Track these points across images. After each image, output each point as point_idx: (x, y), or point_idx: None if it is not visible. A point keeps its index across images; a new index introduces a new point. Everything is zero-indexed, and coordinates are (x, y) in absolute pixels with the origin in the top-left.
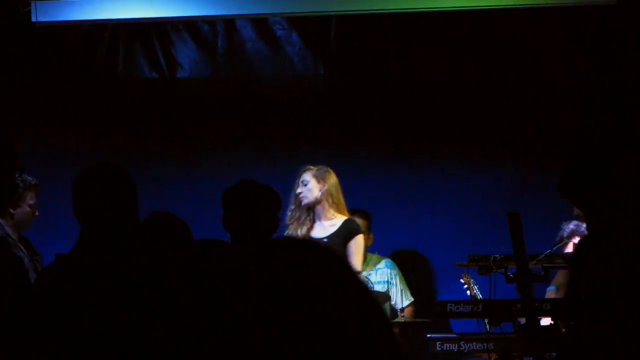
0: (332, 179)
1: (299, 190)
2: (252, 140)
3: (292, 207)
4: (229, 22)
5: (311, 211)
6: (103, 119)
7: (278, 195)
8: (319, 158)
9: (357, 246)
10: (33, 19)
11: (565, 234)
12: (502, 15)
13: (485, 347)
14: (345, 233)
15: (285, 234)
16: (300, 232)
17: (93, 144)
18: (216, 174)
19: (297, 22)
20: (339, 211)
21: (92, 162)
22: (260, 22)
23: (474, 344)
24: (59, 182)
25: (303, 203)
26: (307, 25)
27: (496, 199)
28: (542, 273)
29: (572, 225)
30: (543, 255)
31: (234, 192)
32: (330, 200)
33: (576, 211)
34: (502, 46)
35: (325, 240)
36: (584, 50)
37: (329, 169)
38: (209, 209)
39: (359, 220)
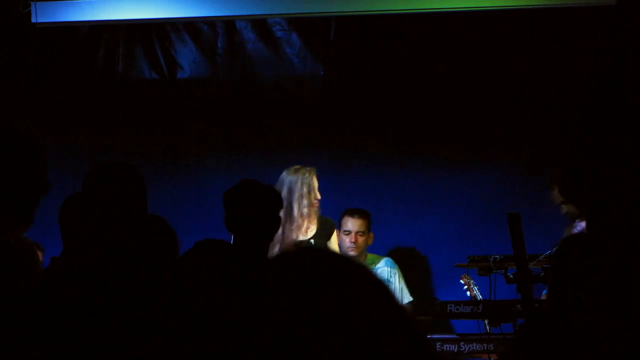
0: None
1: (319, 197)
2: (252, 141)
3: (305, 209)
4: (229, 23)
5: None
6: (103, 120)
7: (279, 195)
8: (319, 159)
9: (335, 242)
10: (33, 20)
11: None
12: (501, 17)
13: (485, 348)
14: (327, 228)
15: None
16: (296, 235)
17: (93, 145)
18: (216, 175)
19: (297, 23)
20: None
21: (92, 163)
22: (260, 23)
23: (474, 344)
24: (59, 182)
25: (317, 211)
26: (307, 26)
27: (496, 199)
28: (542, 274)
29: (579, 227)
30: (543, 256)
31: (235, 193)
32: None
33: (564, 209)
34: (502, 47)
35: (312, 240)
36: (584, 51)
37: None
38: (209, 209)
39: (359, 220)
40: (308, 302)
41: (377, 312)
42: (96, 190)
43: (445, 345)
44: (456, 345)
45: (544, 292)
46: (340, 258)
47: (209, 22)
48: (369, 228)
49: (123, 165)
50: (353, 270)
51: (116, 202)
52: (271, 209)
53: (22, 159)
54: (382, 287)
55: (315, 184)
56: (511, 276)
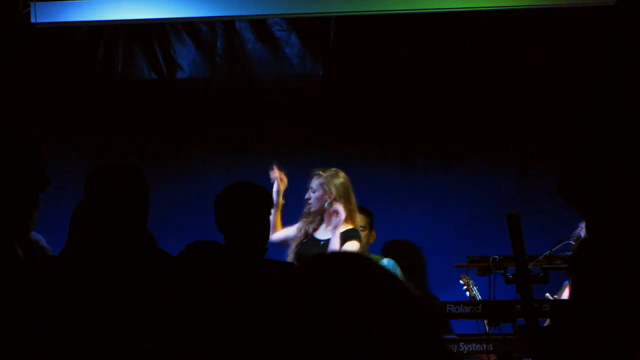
0: (339, 185)
1: (307, 196)
2: (251, 141)
3: (305, 208)
4: (228, 23)
5: (320, 214)
6: (102, 120)
7: (270, 194)
8: (318, 159)
9: (349, 247)
10: (32, 20)
11: (583, 233)
12: (500, 17)
13: (485, 348)
14: (343, 238)
15: (295, 227)
16: (308, 230)
17: (92, 145)
18: (215, 175)
19: (296, 23)
20: (346, 219)
21: (91, 163)
22: (259, 23)
23: (473, 344)
24: (58, 182)
25: (311, 210)
26: (306, 27)
27: (496, 200)
28: (542, 274)
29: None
30: (542, 256)
31: (227, 194)
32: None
33: None
34: (501, 48)
35: (322, 242)
36: (584, 51)
37: (338, 173)
38: (209, 209)
39: (360, 216)
40: (316, 300)
41: (390, 308)
42: (97, 191)
43: None
44: (455, 346)
45: (565, 282)
46: (357, 257)
47: (208, 22)
48: (367, 226)
49: (125, 165)
50: (367, 269)
51: (117, 202)
52: (262, 208)
53: (19, 157)
54: (397, 284)
55: (311, 184)
56: (510, 276)
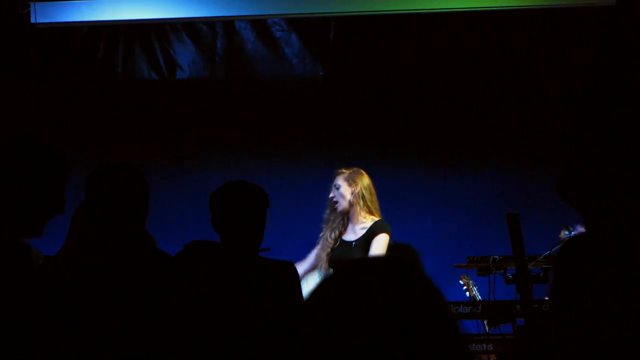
0: (364, 180)
1: (332, 195)
2: (251, 141)
3: (328, 210)
4: (228, 23)
5: (345, 214)
6: (102, 121)
7: (266, 194)
8: (318, 159)
9: (378, 243)
10: (32, 20)
11: None
12: (501, 17)
13: (485, 349)
14: (370, 233)
15: (320, 235)
16: (334, 235)
17: (92, 146)
18: (215, 175)
19: (296, 23)
20: (371, 213)
21: (91, 164)
22: (259, 23)
23: (473, 345)
24: None
25: (338, 209)
26: (306, 27)
27: (496, 200)
28: (542, 274)
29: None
30: (542, 257)
31: (221, 193)
32: (361, 203)
33: None
34: (501, 48)
35: (354, 243)
36: (584, 51)
37: (361, 170)
38: (208, 210)
39: None
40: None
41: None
42: (97, 191)
43: None
44: None
45: None
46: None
47: (208, 22)
48: None
49: (125, 166)
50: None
51: (117, 203)
52: (257, 208)
53: (47, 176)
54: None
55: (334, 182)
56: (510, 276)
